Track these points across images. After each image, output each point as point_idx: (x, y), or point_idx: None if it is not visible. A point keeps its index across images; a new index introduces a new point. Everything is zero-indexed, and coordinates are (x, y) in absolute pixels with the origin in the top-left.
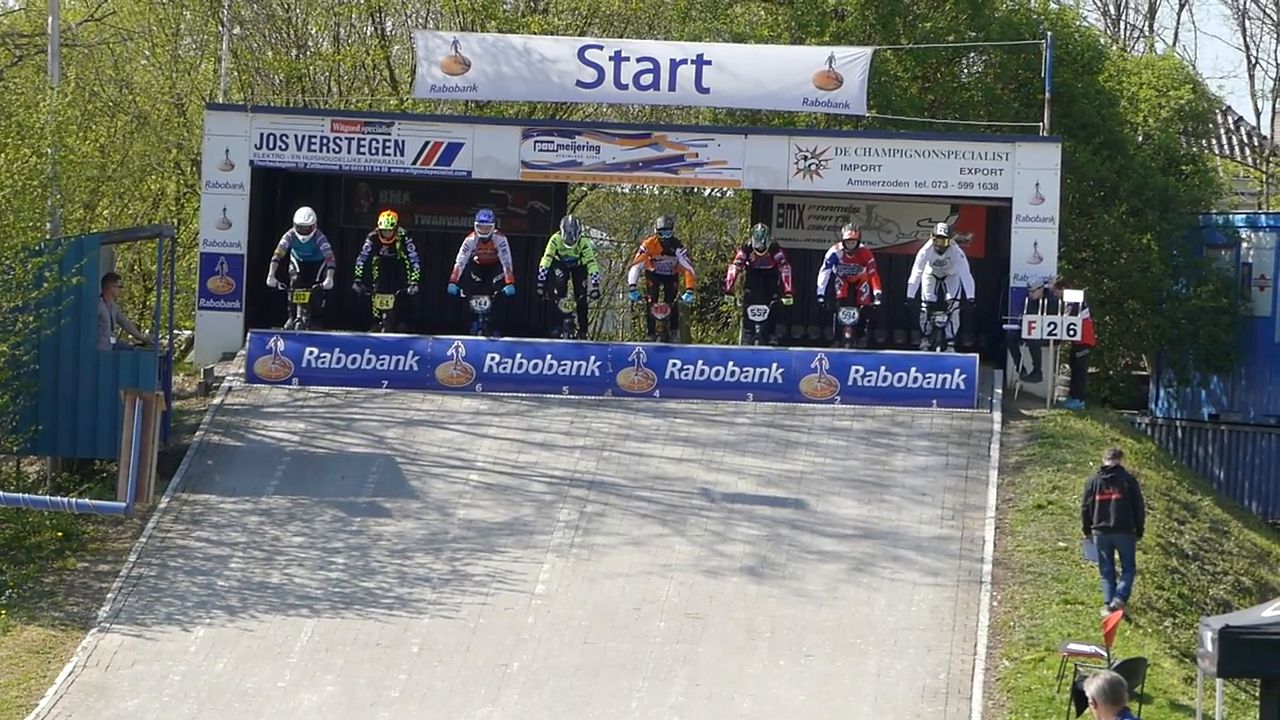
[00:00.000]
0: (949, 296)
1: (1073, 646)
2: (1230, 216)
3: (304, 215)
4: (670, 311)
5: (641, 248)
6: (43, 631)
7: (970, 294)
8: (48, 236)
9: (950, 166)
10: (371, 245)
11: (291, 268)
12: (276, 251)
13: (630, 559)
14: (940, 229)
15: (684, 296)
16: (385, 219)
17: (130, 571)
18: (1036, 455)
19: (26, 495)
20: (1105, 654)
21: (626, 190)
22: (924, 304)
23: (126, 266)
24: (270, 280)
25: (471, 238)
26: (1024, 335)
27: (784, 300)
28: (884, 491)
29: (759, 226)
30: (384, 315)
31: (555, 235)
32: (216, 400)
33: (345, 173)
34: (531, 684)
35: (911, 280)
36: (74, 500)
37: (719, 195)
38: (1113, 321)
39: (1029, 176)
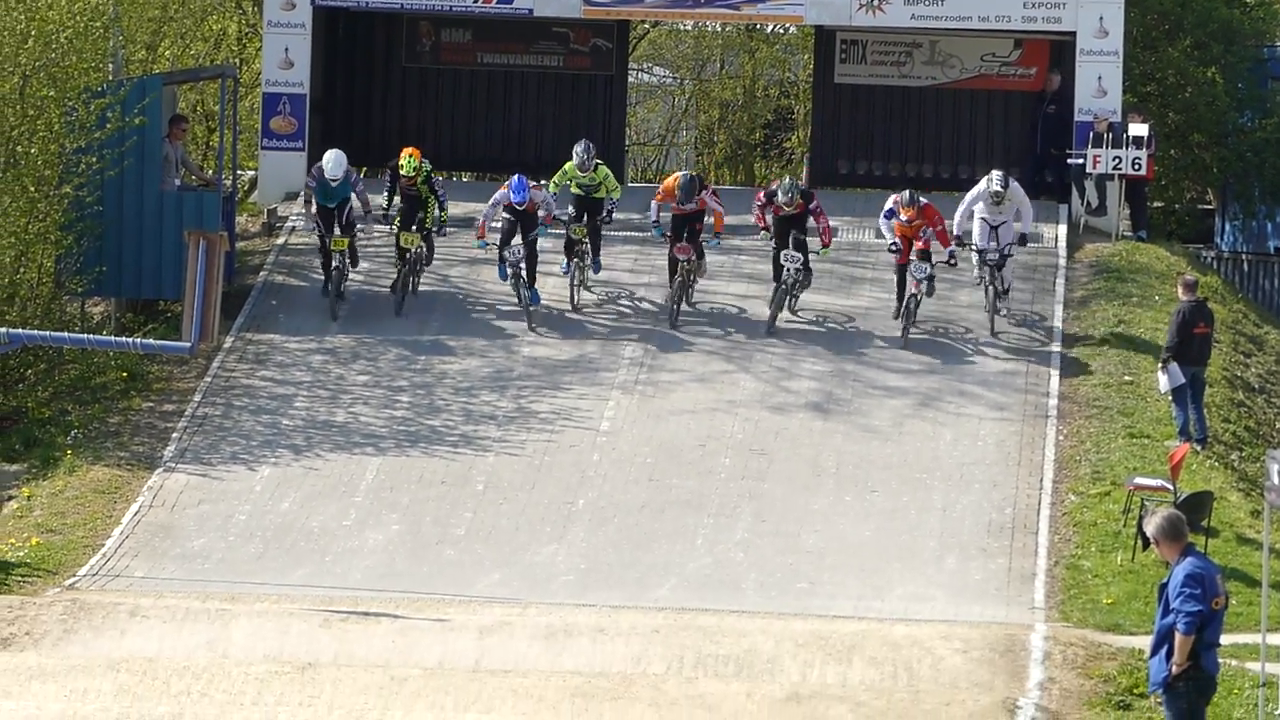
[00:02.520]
0: (1004, 243)
1: (1139, 480)
2: None
3: (332, 164)
4: (694, 252)
5: (660, 187)
6: (108, 472)
7: (1027, 228)
8: (110, 78)
9: (1013, 0)
10: (392, 177)
11: (316, 224)
12: (304, 191)
13: (696, 395)
14: (996, 180)
15: (713, 240)
16: (406, 160)
17: (195, 411)
18: (1102, 290)
19: (91, 336)
20: (1172, 488)
21: (689, 27)
22: (975, 249)
23: (189, 108)
24: (308, 223)
25: (500, 194)
26: (1089, 170)
27: (821, 251)
28: (950, 326)
29: (786, 179)
30: (409, 254)
31: (568, 164)
32: (280, 240)
33: (407, 11)
34: (597, 521)
35: (958, 216)
36: (139, 341)
37: (781, 31)
38: (1178, 155)
39: (1093, 10)
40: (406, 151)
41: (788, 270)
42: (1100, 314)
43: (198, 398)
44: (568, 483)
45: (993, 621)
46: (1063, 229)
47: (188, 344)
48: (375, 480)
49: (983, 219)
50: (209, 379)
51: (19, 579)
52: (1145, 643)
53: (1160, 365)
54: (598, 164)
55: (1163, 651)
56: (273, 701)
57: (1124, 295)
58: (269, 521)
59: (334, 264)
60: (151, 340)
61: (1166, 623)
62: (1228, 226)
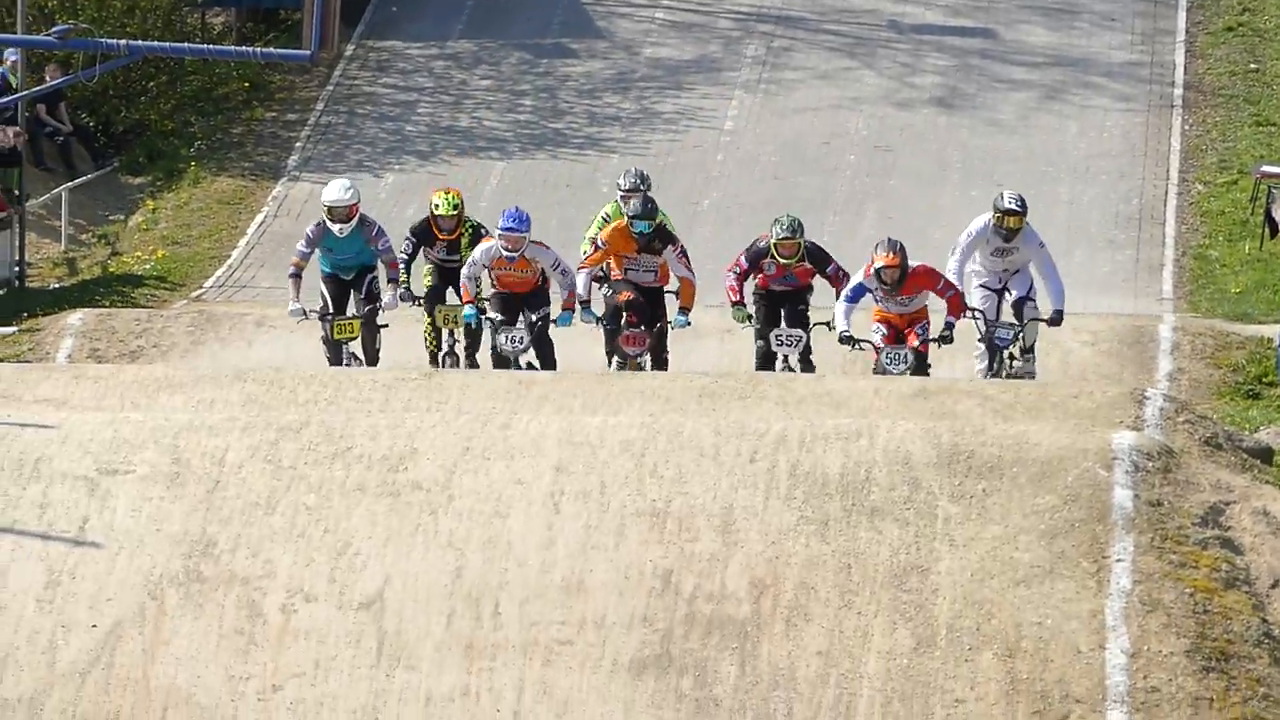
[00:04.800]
0: (1015, 296)
1: (1266, 168)
2: None
3: (336, 192)
4: (651, 342)
5: (599, 241)
6: (233, 182)
7: (1060, 302)
8: None
9: None
10: (416, 240)
11: (321, 295)
12: (295, 260)
13: (819, 93)
14: (1008, 199)
15: (677, 318)
16: (443, 199)
17: (318, 120)
18: None
19: (212, 47)
20: None
21: None
22: (977, 314)
23: None
24: (293, 306)
25: (488, 244)
26: None
27: (829, 323)
28: (1073, 18)
29: (784, 217)
30: (448, 339)
31: (610, 206)
32: None
33: None
34: (722, 221)
35: (954, 273)
36: (259, 50)
37: None
38: None
39: None
40: (441, 191)
41: (781, 354)
42: (1224, 1)
43: (320, 106)
44: (692, 183)
45: (1121, 313)
46: None
47: (309, 52)
48: (500, 184)
49: (989, 267)
50: (331, 87)
51: (146, 292)
52: (1274, 331)
53: None
54: (657, 210)
55: None
56: (400, 407)
57: None
58: (394, 229)
59: (342, 362)
60: (272, 49)
61: None
62: None
